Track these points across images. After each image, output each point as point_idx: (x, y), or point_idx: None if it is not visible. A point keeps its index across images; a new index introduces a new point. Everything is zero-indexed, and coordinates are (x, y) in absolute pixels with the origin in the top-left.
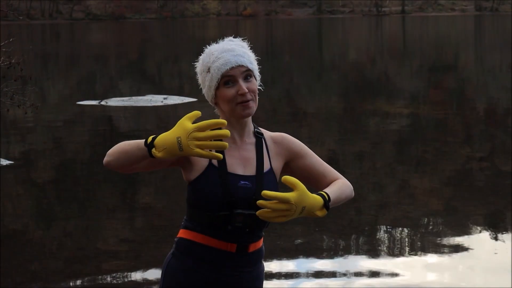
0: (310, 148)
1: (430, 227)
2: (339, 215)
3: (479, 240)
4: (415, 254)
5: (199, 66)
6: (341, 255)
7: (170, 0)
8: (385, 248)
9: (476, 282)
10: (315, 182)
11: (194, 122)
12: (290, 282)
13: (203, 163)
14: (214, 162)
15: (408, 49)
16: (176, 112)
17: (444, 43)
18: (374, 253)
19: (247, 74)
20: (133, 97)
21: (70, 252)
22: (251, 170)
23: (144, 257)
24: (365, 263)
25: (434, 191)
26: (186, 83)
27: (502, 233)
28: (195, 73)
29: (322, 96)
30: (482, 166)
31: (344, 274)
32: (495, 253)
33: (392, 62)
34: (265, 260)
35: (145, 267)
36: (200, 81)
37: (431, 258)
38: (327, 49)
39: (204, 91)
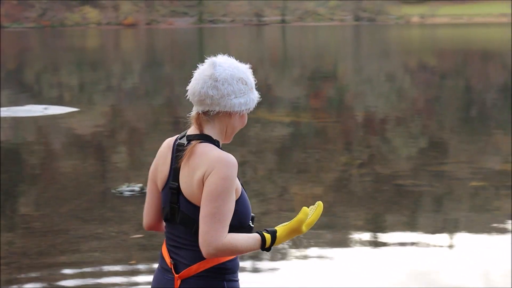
0: None
1: (311, 233)
2: None
3: (359, 244)
4: (295, 260)
5: (240, 74)
6: None
7: (49, 9)
8: (264, 255)
9: (355, 284)
10: None
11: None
12: None
13: (239, 186)
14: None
15: (288, 58)
16: (57, 122)
17: (323, 52)
18: (254, 259)
19: None
20: (12, 107)
21: None
22: None
23: (25, 268)
24: (244, 268)
25: (315, 197)
26: (66, 92)
27: (382, 237)
28: (79, 82)
29: None
30: (361, 173)
31: None
32: (374, 256)
33: (273, 71)
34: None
35: (25, 279)
36: (235, 87)
37: (310, 263)
38: (208, 58)
39: (236, 98)
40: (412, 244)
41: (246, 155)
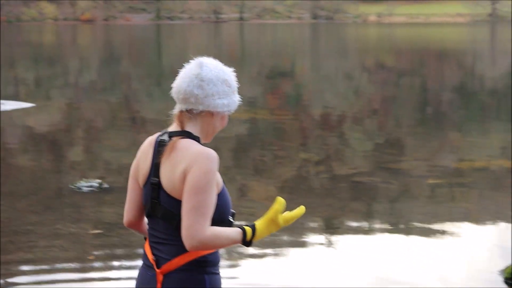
0: None
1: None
2: None
3: (316, 241)
4: (254, 256)
5: (225, 76)
6: None
7: (5, 4)
8: (222, 253)
9: (312, 281)
10: None
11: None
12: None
13: (220, 180)
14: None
15: (247, 55)
16: (13, 117)
17: (281, 50)
18: None
19: None
20: None
21: None
22: None
23: None
24: None
25: (273, 194)
26: (23, 88)
27: (338, 233)
28: (36, 78)
29: (161, 102)
30: (319, 170)
31: None
32: (331, 252)
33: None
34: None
35: None
36: (220, 88)
37: (269, 260)
38: (166, 55)
39: (220, 99)
40: (369, 240)
41: None
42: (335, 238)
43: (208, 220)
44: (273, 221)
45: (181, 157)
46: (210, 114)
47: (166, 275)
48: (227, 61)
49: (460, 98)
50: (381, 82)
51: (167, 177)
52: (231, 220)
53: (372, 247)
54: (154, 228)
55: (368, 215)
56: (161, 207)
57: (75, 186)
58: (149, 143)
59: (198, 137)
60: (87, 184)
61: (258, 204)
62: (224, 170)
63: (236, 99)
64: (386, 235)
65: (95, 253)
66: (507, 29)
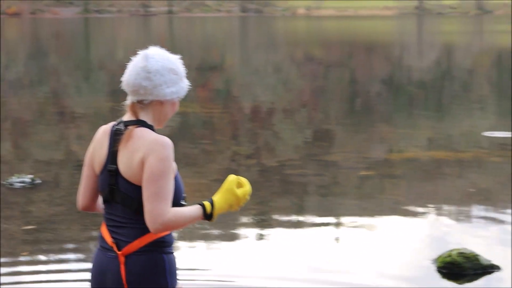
0: (85, 150)
1: (202, 223)
2: None
3: (248, 233)
4: (186, 247)
5: (171, 65)
6: None
7: None
8: None
9: (245, 273)
10: None
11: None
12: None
13: (175, 167)
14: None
15: (176, 49)
16: None
17: (210, 43)
18: None
19: None
20: None
21: None
22: None
23: None
24: None
25: (203, 188)
26: None
27: (270, 226)
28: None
29: (90, 96)
30: (250, 163)
31: None
32: (261, 246)
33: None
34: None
35: None
36: (167, 77)
37: (202, 252)
38: (94, 48)
39: (168, 88)
40: (301, 231)
41: None
42: (266, 230)
43: (169, 203)
44: (229, 191)
45: (137, 145)
46: (160, 102)
47: (127, 257)
48: None
49: (389, 90)
50: (310, 75)
51: (126, 164)
52: (183, 203)
53: (304, 238)
54: (111, 212)
55: (299, 207)
56: (120, 193)
57: (7, 182)
58: (103, 132)
59: (151, 126)
60: (19, 179)
61: (189, 197)
62: None
63: (185, 85)
64: (318, 226)
65: (28, 248)
66: (434, 22)
